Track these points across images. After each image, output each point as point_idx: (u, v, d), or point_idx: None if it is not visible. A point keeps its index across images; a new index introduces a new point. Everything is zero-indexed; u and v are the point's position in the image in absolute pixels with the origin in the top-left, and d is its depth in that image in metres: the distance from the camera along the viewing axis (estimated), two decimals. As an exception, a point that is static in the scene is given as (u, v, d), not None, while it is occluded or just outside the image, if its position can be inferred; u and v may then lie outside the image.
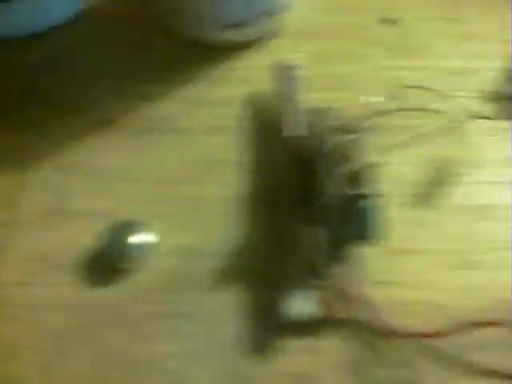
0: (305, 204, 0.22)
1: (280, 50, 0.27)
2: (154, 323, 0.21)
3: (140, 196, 0.23)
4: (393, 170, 0.24)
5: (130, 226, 0.22)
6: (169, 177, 0.24)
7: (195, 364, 0.20)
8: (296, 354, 0.20)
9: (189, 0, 0.26)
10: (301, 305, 0.20)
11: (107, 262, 0.21)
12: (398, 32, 0.29)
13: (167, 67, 0.27)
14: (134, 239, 0.21)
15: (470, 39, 0.29)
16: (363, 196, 0.22)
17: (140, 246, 0.21)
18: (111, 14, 0.29)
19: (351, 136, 0.23)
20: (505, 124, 0.25)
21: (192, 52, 0.27)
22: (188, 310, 0.21)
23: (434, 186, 0.24)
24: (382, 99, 0.25)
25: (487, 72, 0.27)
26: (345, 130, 0.24)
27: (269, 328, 0.20)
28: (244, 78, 0.27)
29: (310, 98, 0.25)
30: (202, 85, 0.26)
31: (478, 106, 0.25)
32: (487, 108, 0.25)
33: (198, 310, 0.21)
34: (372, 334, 0.20)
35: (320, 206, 0.22)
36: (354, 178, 0.22)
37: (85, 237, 0.22)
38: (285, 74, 0.25)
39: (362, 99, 0.24)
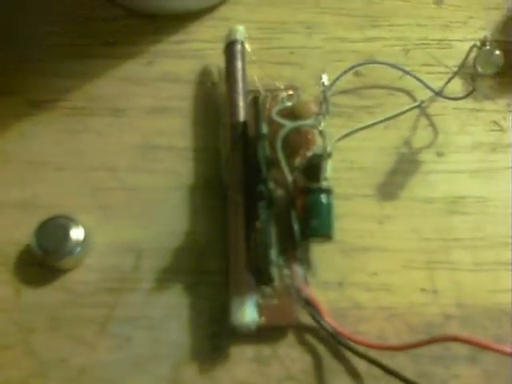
0: (252, 198, 0.20)
1: (231, 20, 0.25)
2: (90, 327, 0.19)
3: (73, 187, 0.21)
4: (352, 156, 0.22)
5: (63, 221, 0.20)
6: (104, 164, 0.22)
7: (133, 371, 0.19)
8: (239, 361, 0.19)
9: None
10: (245, 311, 0.18)
11: (41, 261, 0.20)
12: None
13: (107, 41, 0.24)
14: (68, 235, 0.19)
15: (443, 7, 0.26)
16: (318, 189, 0.20)
17: (75, 243, 0.19)
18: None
19: (308, 122, 0.21)
20: (473, 103, 0.23)
21: (134, 24, 0.25)
22: (126, 314, 0.20)
23: (395, 174, 0.22)
24: (341, 75, 0.22)
25: (459, 45, 0.25)
26: (300, 113, 0.21)
27: (211, 334, 0.19)
28: (192, 52, 0.24)
29: (261, 75, 0.22)
30: (145, 60, 0.24)
31: (447, 84, 0.23)
32: (457, 86, 0.23)
33: (137, 314, 0.20)
34: (322, 342, 0.19)
35: (269, 200, 0.20)
36: (309, 169, 0.20)
37: (13, 231, 0.20)
38: (233, 48, 0.22)
39: (324, 77, 0.21)
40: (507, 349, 0.17)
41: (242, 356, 0.19)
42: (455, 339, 0.18)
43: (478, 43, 0.22)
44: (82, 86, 0.23)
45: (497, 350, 0.17)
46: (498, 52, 0.21)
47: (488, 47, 0.22)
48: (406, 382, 0.18)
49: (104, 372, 0.18)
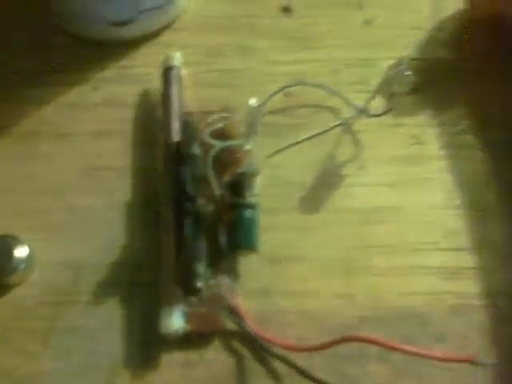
0: (184, 214, 0.21)
1: (173, 46, 0.27)
2: (34, 339, 0.21)
3: (16, 208, 0.23)
4: (279, 173, 0.24)
5: (7, 241, 0.21)
6: (50, 187, 0.23)
7: (72, 380, 0.20)
8: (168, 366, 0.20)
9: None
10: (174, 322, 0.20)
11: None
12: (296, 22, 0.28)
13: (55, 69, 0.26)
14: (14, 254, 0.21)
15: (371, 27, 0.28)
16: (245, 205, 0.22)
17: (19, 261, 0.21)
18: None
19: (236, 142, 0.23)
20: (394, 119, 0.25)
21: (81, 51, 0.26)
22: (66, 325, 0.21)
23: (320, 188, 0.24)
24: (271, 97, 0.24)
25: (384, 63, 0.26)
26: (230, 133, 0.23)
27: (143, 342, 0.21)
28: (134, 77, 0.26)
29: (196, 97, 0.24)
30: (90, 86, 0.25)
31: (370, 102, 0.25)
32: (380, 104, 0.25)
33: (76, 325, 0.21)
34: (246, 346, 0.20)
35: (200, 215, 0.21)
36: (235, 186, 0.22)
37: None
38: (169, 73, 0.24)
39: (251, 101, 0.23)
40: (411, 349, 0.19)
41: (172, 361, 0.21)
42: (363, 340, 0.19)
43: (393, 63, 0.24)
44: (33, 112, 0.25)
45: (400, 350, 0.19)
46: (409, 72, 0.23)
47: (402, 67, 0.23)
48: (316, 382, 0.19)
49: (46, 382, 0.20)
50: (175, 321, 0.20)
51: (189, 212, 0.21)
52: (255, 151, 0.23)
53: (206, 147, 0.23)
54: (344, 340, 0.19)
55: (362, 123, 0.25)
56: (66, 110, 0.25)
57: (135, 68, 0.26)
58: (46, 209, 0.23)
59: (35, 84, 0.26)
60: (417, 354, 0.19)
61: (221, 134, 0.23)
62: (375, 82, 0.26)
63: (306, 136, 0.25)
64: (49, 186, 0.23)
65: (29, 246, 0.22)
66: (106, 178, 0.24)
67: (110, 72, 0.26)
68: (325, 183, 0.24)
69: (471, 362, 0.19)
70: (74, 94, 0.26)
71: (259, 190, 0.22)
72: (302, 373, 0.20)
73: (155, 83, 0.25)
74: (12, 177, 0.24)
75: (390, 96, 0.24)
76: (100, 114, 0.25)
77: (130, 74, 0.26)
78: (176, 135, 0.23)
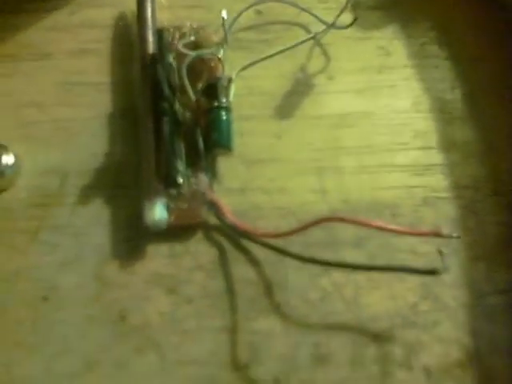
0: (161, 118, 0.23)
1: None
2: (23, 238, 0.22)
3: (3, 120, 0.24)
4: (253, 83, 0.25)
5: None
6: (32, 101, 0.24)
7: (62, 271, 0.22)
8: (154, 258, 0.22)
9: None
10: (155, 210, 0.21)
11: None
12: None
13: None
14: (1, 160, 0.22)
15: None
16: (219, 108, 0.23)
17: (6, 167, 0.22)
18: None
19: (208, 51, 0.24)
20: (362, 33, 0.26)
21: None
22: (54, 224, 0.22)
23: (291, 97, 0.25)
24: (242, 12, 0.25)
25: None
26: (202, 44, 0.24)
27: (128, 237, 0.22)
28: (109, 1, 0.27)
29: (170, 16, 0.25)
30: (67, 10, 0.26)
31: (336, 17, 0.26)
32: (346, 17, 0.26)
33: (64, 223, 0.22)
34: (226, 237, 0.22)
35: (174, 117, 0.22)
36: (209, 90, 0.23)
37: None
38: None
39: (223, 13, 0.24)
40: (385, 225, 0.20)
41: (157, 253, 0.22)
42: (341, 220, 0.20)
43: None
44: (11, 37, 0.26)
45: (375, 227, 0.20)
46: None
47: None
48: (298, 260, 0.21)
49: (36, 272, 0.21)
50: (157, 211, 0.21)
51: (166, 112, 0.22)
52: (228, 62, 0.24)
53: (180, 58, 0.24)
54: (323, 220, 0.20)
55: (330, 37, 0.26)
56: (43, 33, 0.26)
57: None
58: (29, 121, 0.24)
59: (14, 11, 0.26)
60: (390, 230, 0.20)
61: (194, 46, 0.24)
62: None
63: (278, 50, 0.26)
64: (30, 100, 0.24)
65: (14, 153, 0.22)
66: (86, 92, 0.24)
67: (85, -3, 0.27)
68: (296, 92, 0.25)
69: (438, 234, 0.20)
70: (52, 19, 0.26)
71: (234, 99, 0.23)
72: (281, 254, 0.21)
73: (131, 6, 0.26)
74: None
75: (357, 8, 0.25)
76: (77, 35, 0.26)
77: (104, -1, 0.27)
78: (151, 47, 0.24)
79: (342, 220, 0.20)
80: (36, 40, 0.26)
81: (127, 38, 0.26)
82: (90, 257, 0.22)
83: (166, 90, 0.22)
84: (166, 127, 0.22)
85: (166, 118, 0.22)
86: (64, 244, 0.22)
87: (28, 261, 0.21)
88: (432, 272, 0.20)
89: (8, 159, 0.22)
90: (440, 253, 0.21)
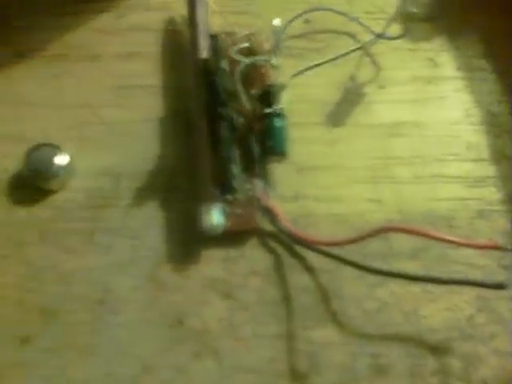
0: (217, 123, 0.22)
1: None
2: (78, 239, 0.22)
3: (56, 121, 0.24)
4: (304, 91, 0.25)
5: (49, 149, 0.22)
6: (84, 103, 0.24)
7: (117, 274, 0.21)
8: (209, 262, 0.21)
9: None
10: (212, 215, 0.21)
11: (30, 183, 0.22)
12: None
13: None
14: (55, 161, 0.22)
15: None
16: (274, 114, 0.22)
17: (60, 167, 0.22)
18: None
19: (262, 57, 0.24)
20: (410, 44, 0.26)
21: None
22: (109, 226, 0.22)
23: (342, 105, 0.25)
24: (292, 20, 0.25)
25: None
26: (255, 51, 0.24)
27: (183, 240, 0.22)
28: (158, 5, 0.27)
29: (221, 22, 0.25)
30: (116, 14, 0.26)
31: (385, 27, 0.26)
32: (394, 28, 0.26)
33: (119, 226, 0.22)
34: (281, 243, 0.21)
35: (230, 122, 0.22)
36: (264, 96, 0.23)
37: (4, 160, 0.23)
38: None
39: (275, 21, 0.24)
40: (445, 236, 0.20)
41: (212, 257, 0.21)
42: (400, 230, 0.20)
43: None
44: (60, 38, 0.26)
45: (436, 238, 0.20)
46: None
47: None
48: (356, 267, 0.20)
49: (91, 274, 0.21)
50: (214, 216, 0.21)
51: (222, 117, 0.22)
52: (280, 68, 0.24)
53: (233, 64, 0.24)
54: (383, 230, 0.20)
55: (379, 47, 0.26)
56: (92, 35, 0.26)
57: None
58: (82, 122, 0.23)
59: (63, 13, 0.26)
60: (450, 242, 0.20)
61: (247, 53, 0.24)
62: (391, 10, 0.27)
63: (327, 58, 0.26)
64: (82, 102, 0.24)
65: (67, 154, 0.22)
66: (137, 95, 0.24)
67: (134, 1, 0.27)
68: (347, 101, 0.25)
69: (497, 247, 0.20)
70: (99, 21, 0.26)
71: (286, 106, 0.23)
72: (337, 260, 0.21)
73: (180, 11, 0.26)
74: (44, 93, 0.24)
75: (406, 20, 0.25)
76: (127, 38, 0.26)
77: (154, 2, 0.27)
78: (205, 52, 0.24)
79: (403, 230, 0.20)
80: (84, 41, 0.26)
81: (177, 42, 0.26)
82: (144, 259, 0.21)
83: (224, 96, 0.22)
84: (224, 133, 0.22)
85: (224, 124, 0.22)
86: (119, 246, 0.21)
87: (84, 262, 0.21)
88: (500, 286, 0.20)
89: (61, 160, 0.22)
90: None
